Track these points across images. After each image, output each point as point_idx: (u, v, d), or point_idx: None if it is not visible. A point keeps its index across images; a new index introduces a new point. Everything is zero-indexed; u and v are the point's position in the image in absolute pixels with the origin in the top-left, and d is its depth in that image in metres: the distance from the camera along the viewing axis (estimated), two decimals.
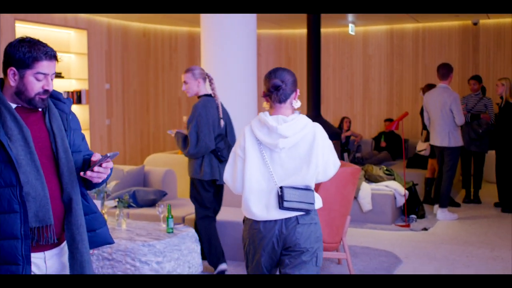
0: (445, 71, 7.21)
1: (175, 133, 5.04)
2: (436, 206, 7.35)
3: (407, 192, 7.05)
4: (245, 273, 3.33)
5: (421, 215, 7.22)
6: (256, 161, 3.06)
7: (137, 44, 10.04)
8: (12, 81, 2.33)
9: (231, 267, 5.15)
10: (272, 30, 11.31)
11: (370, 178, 7.34)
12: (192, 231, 4.90)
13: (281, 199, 2.96)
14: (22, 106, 2.37)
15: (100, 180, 2.40)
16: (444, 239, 6.23)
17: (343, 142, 9.99)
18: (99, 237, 2.57)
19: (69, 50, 8.85)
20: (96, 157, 2.36)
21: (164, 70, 10.55)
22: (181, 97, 10.72)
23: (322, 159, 3.07)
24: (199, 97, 5.00)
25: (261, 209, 3.04)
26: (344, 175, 4.74)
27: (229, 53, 6.20)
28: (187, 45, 10.84)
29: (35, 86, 2.32)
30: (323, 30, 9.02)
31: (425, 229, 6.66)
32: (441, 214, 7.18)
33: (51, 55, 2.35)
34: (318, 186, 4.98)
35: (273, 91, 3.02)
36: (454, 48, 10.43)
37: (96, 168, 2.33)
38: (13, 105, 2.36)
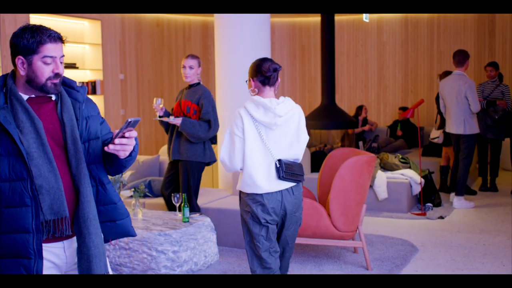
0: (460, 57, 7.13)
1: (182, 119, 5.06)
2: (453, 194, 7.30)
3: (423, 180, 7.01)
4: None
5: (437, 204, 7.18)
6: (255, 139, 3.49)
7: (151, 34, 10.04)
8: (21, 70, 2.31)
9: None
10: (286, 18, 11.26)
11: (386, 167, 7.31)
12: (208, 220, 4.91)
13: (281, 170, 3.45)
14: (35, 97, 2.36)
15: (127, 153, 2.31)
16: (461, 228, 6.19)
17: (359, 132, 9.96)
18: (119, 228, 2.53)
19: (83, 41, 8.87)
20: (115, 134, 2.29)
21: (177, 60, 10.54)
22: None
23: (305, 136, 3.63)
24: (193, 85, 5.25)
25: (264, 182, 3.48)
26: (360, 164, 4.71)
27: (243, 42, 6.18)
28: (200, 34, 10.83)
29: (44, 71, 2.30)
30: (337, 17, 8.98)
31: (441, 217, 6.63)
32: (458, 202, 7.13)
33: (55, 37, 2.33)
34: (333, 174, 4.97)
35: (271, 74, 3.51)
36: (470, 34, 10.32)
37: (117, 140, 2.25)
38: (25, 97, 2.34)
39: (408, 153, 9.09)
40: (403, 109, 10.09)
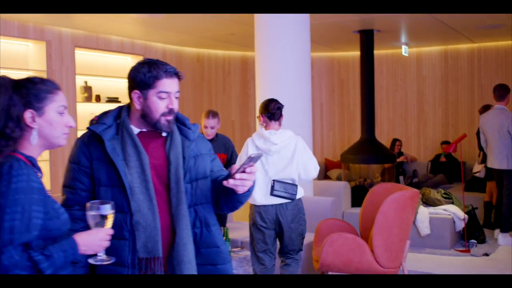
0: (501, 92, 7.04)
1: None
2: (497, 230, 7.13)
3: (466, 216, 6.88)
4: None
5: (482, 240, 7.01)
6: (258, 163, 3.89)
7: (191, 69, 10.19)
8: (137, 104, 2.31)
9: None
10: (324, 52, 11.31)
11: (428, 202, 7.20)
12: (249, 255, 4.89)
13: (272, 189, 4.32)
14: (145, 131, 2.34)
15: (246, 189, 2.20)
16: (507, 265, 6.02)
17: (397, 165, 9.85)
18: (219, 273, 2.39)
19: (126, 76, 9.03)
20: (234, 169, 2.19)
21: (217, 94, 10.66)
22: (234, 121, 10.81)
23: (301, 161, 4.43)
24: (212, 139, 5.39)
25: (260, 197, 4.39)
26: (403, 199, 4.66)
27: (283, 76, 6.21)
28: (240, 69, 10.94)
29: (159, 106, 2.28)
30: (376, 51, 8.97)
31: (486, 254, 6.47)
32: (503, 239, 6.96)
33: (172, 72, 2.33)
34: (376, 210, 4.91)
35: (275, 111, 4.47)
36: (511, 68, 10.19)
37: (238, 175, 2.15)
38: (136, 130, 2.33)
39: (449, 188, 8.94)
40: (447, 143, 9.96)
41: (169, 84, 2.31)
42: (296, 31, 6.23)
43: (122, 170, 2.23)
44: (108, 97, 8.31)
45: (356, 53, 10.73)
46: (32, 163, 1.91)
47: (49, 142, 1.97)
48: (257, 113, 4.68)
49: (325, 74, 11.59)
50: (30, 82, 1.96)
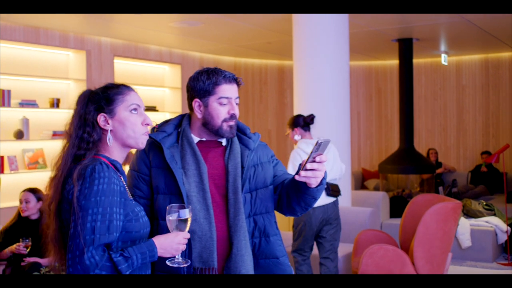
0: None
1: None
2: None
3: (509, 228, 6.71)
4: None
5: None
6: None
7: None
8: (198, 113, 2.31)
9: None
10: (362, 61, 11.22)
11: (469, 213, 7.05)
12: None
13: (328, 189, 4.79)
14: (205, 141, 2.34)
15: (318, 181, 2.09)
16: None
17: (436, 175, 9.68)
18: None
19: (164, 85, 9.12)
20: (303, 163, 2.08)
21: (254, 103, 10.65)
22: (271, 130, 10.78)
23: (337, 162, 4.98)
24: None
25: (321, 197, 4.70)
26: (445, 211, 4.56)
27: (322, 85, 6.16)
28: (276, 78, 10.92)
29: (220, 112, 2.28)
30: (414, 60, 8.85)
31: None
32: None
33: (231, 78, 2.32)
34: (416, 221, 4.82)
35: (310, 122, 5.00)
36: None
37: (309, 165, 2.03)
38: (196, 139, 2.34)
39: (491, 200, 8.74)
40: (487, 153, 9.76)
41: (229, 90, 2.30)
42: (334, 40, 6.18)
43: (179, 178, 2.22)
44: (145, 106, 8.33)
45: (394, 62, 10.63)
46: (115, 166, 1.98)
47: (126, 142, 2.01)
48: (287, 130, 5.12)
49: (363, 83, 11.49)
50: (103, 88, 2.04)
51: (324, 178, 2.12)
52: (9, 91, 6.90)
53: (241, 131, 2.42)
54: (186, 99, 2.39)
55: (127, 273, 1.86)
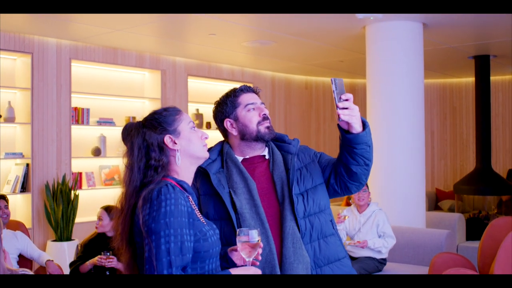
0: None
1: None
2: None
3: None
4: None
5: None
6: None
7: (300, 96, 10.22)
8: (233, 130, 2.38)
9: None
10: (437, 79, 10.99)
11: None
12: None
13: None
14: (249, 158, 2.38)
15: (354, 119, 2.12)
16: None
17: None
18: None
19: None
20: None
21: (325, 122, 10.61)
22: None
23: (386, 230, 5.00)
24: None
25: None
26: None
27: (396, 104, 6.07)
28: None
29: (252, 116, 2.35)
30: (492, 77, 8.59)
31: None
32: None
33: (247, 89, 2.43)
34: (496, 245, 4.64)
35: None
36: None
37: (341, 104, 2.09)
38: (240, 158, 2.38)
39: None
40: None
41: (250, 97, 2.39)
42: (409, 57, 6.09)
43: (228, 202, 2.24)
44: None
45: (470, 79, 10.36)
46: (182, 187, 1.98)
47: (194, 157, 2.04)
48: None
49: (437, 101, 11.24)
50: (156, 114, 2.06)
51: (364, 121, 2.18)
52: (88, 110, 7.16)
53: (279, 140, 2.45)
54: (218, 130, 2.46)
55: None
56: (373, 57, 6.23)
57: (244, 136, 2.36)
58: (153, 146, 1.97)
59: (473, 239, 6.99)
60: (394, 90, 6.07)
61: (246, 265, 1.98)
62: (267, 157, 2.40)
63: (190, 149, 2.02)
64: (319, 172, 2.40)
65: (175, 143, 2.00)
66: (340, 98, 2.10)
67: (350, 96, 2.10)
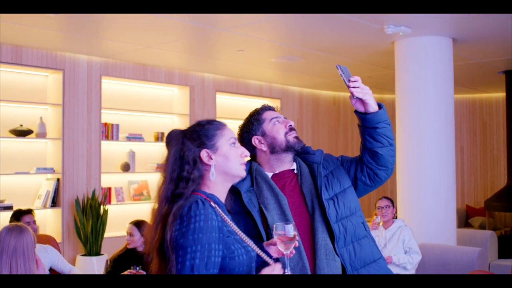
0: None
1: None
2: None
3: None
4: None
5: None
6: None
7: (327, 112, 10.19)
8: (262, 146, 2.41)
9: None
10: (466, 94, 10.87)
11: None
12: None
13: None
14: (278, 173, 2.40)
15: (367, 96, 2.30)
16: None
17: None
18: None
19: None
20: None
21: (353, 138, 10.55)
22: None
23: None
24: None
25: None
26: None
27: (425, 119, 6.02)
28: None
29: (279, 128, 2.39)
30: None
31: None
32: None
33: (268, 107, 2.50)
34: None
35: None
36: None
37: (352, 84, 2.26)
38: (270, 174, 2.39)
39: None
40: None
41: (273, 113, 2.46)
42: (438, 73, 6.04)
43: (259, 221, 2.24)
44: None
45: (501, 94, 10.23)
46: (213, 200, 1.97)
47: (229, 175, 2.03)
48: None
49: (466, 117, 11.11)
50: (198, 126, 2.06)
51: (382, 106, 2.35)
52: (117, 125, 7.23)
53: (304, 152, 2.47)
54: (246, 142, 2.46)
55: None
56: (402, 72, 6.19)
57: (274, 148, 2.38)
58: (188, 158, 1.97)
59: (506, 257, 6.87)
60: (423, 105, 6.02)
61: (284, 257, 2.00)
62: (295, 171, 2.42)
63: (226, 166, 2.00)
64: (345, 175, 2.43)
65: (211, 158, 1.99)
66: (349, 80, 2.27)
67: (358, 77, 2.26)
